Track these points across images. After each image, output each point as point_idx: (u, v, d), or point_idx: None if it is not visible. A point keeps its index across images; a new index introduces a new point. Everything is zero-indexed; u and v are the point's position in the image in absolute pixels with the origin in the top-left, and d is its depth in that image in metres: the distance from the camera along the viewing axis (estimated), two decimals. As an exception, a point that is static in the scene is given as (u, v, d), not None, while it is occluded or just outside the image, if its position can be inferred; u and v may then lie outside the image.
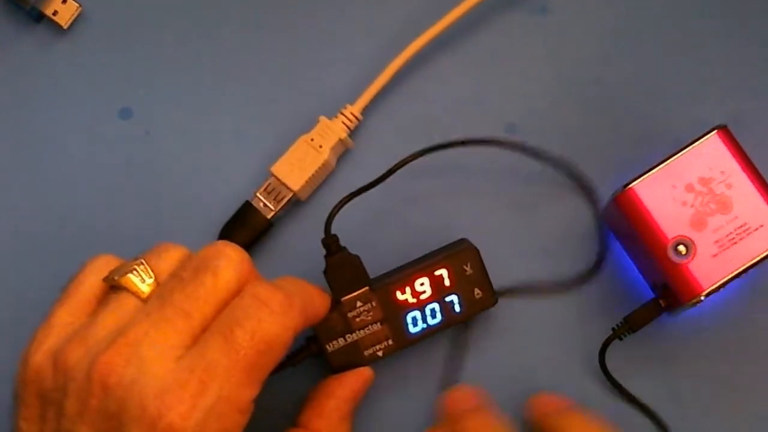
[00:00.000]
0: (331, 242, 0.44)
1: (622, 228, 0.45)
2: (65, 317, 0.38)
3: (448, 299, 0.44)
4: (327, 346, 0.43)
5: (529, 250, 0.47)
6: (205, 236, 0.47)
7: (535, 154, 0.46)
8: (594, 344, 0.45)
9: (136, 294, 0.37)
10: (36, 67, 0.49)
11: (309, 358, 0.44)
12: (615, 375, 0.46)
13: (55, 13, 0.48)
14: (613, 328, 0.45)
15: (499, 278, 0.45)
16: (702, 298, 0.42)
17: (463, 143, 0.46)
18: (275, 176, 0.46)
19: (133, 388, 0.34)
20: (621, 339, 0.45)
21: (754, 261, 0.42)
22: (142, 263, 0.38)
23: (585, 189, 0.47)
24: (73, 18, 0.49)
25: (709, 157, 0.42)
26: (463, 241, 0.46)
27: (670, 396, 0.46)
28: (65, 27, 0.49)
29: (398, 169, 0.45)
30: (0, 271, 0.48)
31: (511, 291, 0.46)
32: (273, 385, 0.37)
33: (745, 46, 0.49)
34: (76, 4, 0.49)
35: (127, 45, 0.49)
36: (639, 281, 0.46)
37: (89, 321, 0.37)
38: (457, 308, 0.44)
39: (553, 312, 0.47)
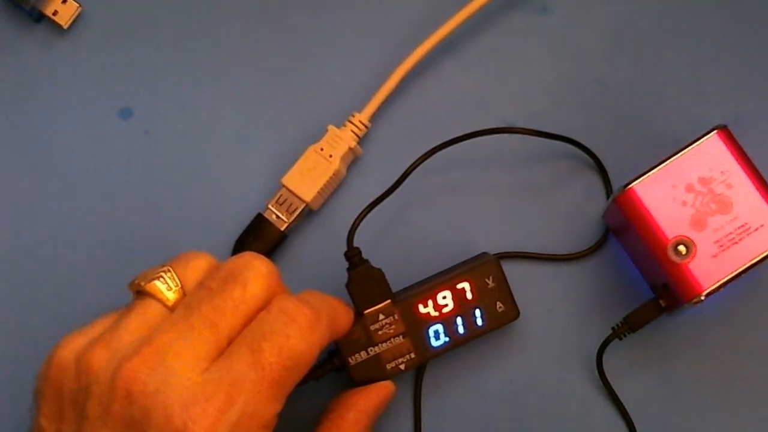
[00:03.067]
0: (353, 255, 0.43)
1: (622, 228, 0.45)
2: (93, 320, 0.38)
3: (470, 312, 0.44)
4: (349, 360, 0.43)
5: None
6: (204, 236, 0.47)
7: (548, 135, 0.46)
8: (594, 344, 0.45)
9: (161, 301, 0.37)
10: (36, 67, 0.49)
11: (331, 371, 0.44)
12: (615, 375, 0.46)
13: (55, 13, 0.48)
14: (613, 328, 0.45)
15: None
16: (702, 298, 0.42)
17: (468, 137, 0.46)
18: (286, 187, 0.46)
19: (158, 397, 0.34)
20: (621, 339, 0.45)
21: (754, 261, 0.42)
22: (169, 270, 0.38)
23: (598, 166, 0.47)
24: (73, 18, 0.49)
25: (709, 157, 0.42)
26: (485, 254, 0.46)
27: (669, 396, 0.46)
28: (65, 27, 0.49)
29: (411, 171, 0.45)
30: None
31: (512, 255, 0.47)
32: (293, 398, 0.37)
33: (745, 46, 0.49)
34: (76, 4, 0.49)
35: (127, 45, 0.49)
36: (639, 281, 0.46)
37: (114, 324, 0.37)
38: (480, 321, 0.44)
39: (554, 311, 0.47)
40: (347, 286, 0.43)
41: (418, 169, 0.45)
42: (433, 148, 0.45)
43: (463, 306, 0.44)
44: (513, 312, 0.44)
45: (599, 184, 0.48)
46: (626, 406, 0.46)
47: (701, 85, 0.48)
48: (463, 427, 0.46)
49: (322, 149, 0.47)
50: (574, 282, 0.47)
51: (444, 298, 0.44)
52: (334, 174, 0.47)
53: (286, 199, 0.46)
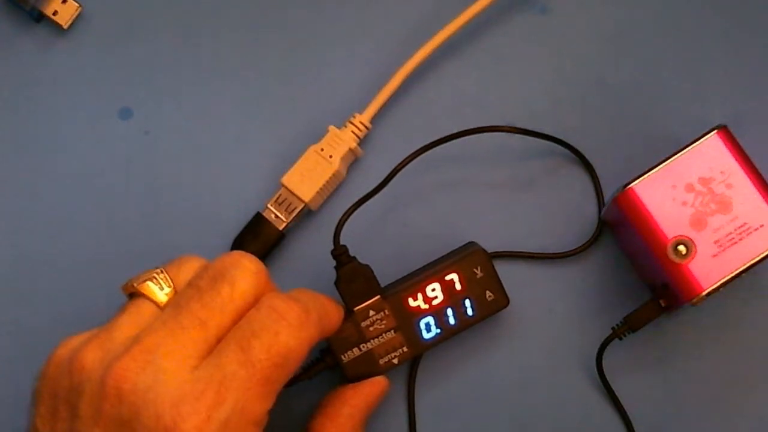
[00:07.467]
0: (340, 253, 0.44)
1: (622, 228, 0.45)
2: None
3: (460, 303, 0.44)
4: (342, 357, 0.43)
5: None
6: (204, 235, 0.47)
7: (533, 133, 0.46)
8: (594, 344, 0.45)
9: (154, 302, 0.37)
10: (36, 67, 0.49)
11: (324, 370, 0.44)
12: (615, 375, 0.46)
13: (55, 13, 0.48)
14: (612, 328, 0.45)
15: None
16: (702, 297, 0.42)
17: (453, 137, 0.46)
18: (286, 187, 0.46)
19: (148, 396, 0.34)
20: (621, 339, 0.45)
21: (754, 261, 0.42)
22: (162, 272, 0.38)
23: (587, 166, 0.47)
24: (73, 18, 0.49)
25: (709, 157, 0.42)
26: (471, 244, 0.46)
27: (669, 396, 0.46)
28: (65, 27, 0.49)
29: (397, 172, 0.45)
30: None
31: (507, 254, 0.47)
32: (287, 397, 0.37)
33: (745, 46, 0.49)
34: (76, 4, 0.49)
35: (127, 45, 0.49)
36: (639, 281, 0.46)
37: (108, 324, 0.37)
38: (470, 311, 0.44)
39: (554, 311, 0.47)
40: (336, 284, 0.43)
41: (415, 167, 0.45)
42: (419, 149, 0.45)
43: (452, 297, 0.44)
44: (503, 300, 0.44)
45: (592, 182, 0.48)
46: (625, 406, 0.46)
47: (701, 85, 0.48)
48: (460, 427, 0.46)
49: (322, 150, 0.47)
50: (573, 282, 0.47)
51: (433, 290, 0.44)
52: (333, 175, 0.47)
53: (285, 199, 0.47)
